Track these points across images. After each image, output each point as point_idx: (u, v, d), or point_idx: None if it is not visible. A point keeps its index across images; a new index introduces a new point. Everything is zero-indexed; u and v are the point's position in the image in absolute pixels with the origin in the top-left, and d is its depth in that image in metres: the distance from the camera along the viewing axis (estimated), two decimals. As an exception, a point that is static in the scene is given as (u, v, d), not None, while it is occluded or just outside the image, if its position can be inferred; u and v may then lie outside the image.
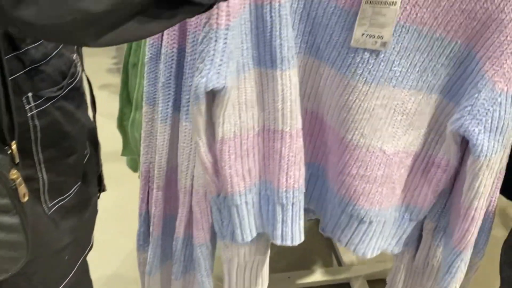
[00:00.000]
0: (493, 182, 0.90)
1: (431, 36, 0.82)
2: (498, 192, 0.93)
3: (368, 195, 0.93)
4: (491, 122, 0.82)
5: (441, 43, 0.83)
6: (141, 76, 1.05)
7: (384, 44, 0.80)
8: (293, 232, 0.90)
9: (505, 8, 0.79)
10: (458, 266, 0.92)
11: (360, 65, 0.82)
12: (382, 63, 0.82)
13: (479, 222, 0.90)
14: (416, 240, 1.05)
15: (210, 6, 0.59)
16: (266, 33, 0.76)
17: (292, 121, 0.83)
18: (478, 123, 0.82)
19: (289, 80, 0.80)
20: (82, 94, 0.87)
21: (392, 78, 0.84)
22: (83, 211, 0.90)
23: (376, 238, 0.99)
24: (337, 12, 0.78)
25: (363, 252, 0.99)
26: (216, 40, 0.72)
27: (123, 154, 1.42)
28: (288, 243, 0.91)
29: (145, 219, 1.06)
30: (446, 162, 0.92)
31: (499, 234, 1.12)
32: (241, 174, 0.86)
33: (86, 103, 0.89)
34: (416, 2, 0.79)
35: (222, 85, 0.74)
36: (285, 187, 0.87)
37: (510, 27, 0.79)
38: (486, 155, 0.83)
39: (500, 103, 0.82)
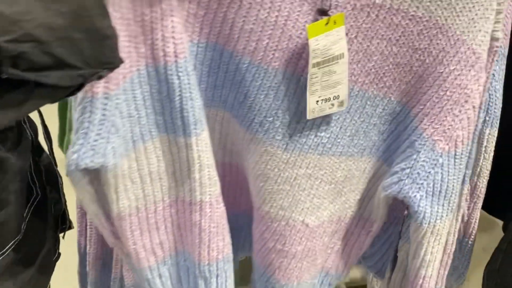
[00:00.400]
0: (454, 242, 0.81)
1: (363, 95, 0.73)
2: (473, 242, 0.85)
3: (286, 271, 0.83)
4: (433, 186, 0.73)
5: (373, 102, 0.74)
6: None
7: (342, 104, 0.71)
8: None
9: (444, 60, 0.70)
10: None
11: (280, 130, 0.72)
12: (305, 129, 0.73)
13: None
14: (391, 261, 0.96)
15: (78, 87, 0.49)
16: (175, 97, 0.66)
17: (211, 188, 0.73)
18: (419, 188, 0.73)
19: (204, 144, 0.70)
20: (21, 133, 0.74)
21: (318, 145, 0.74)
22: (28, 267, 0.78)
23: None
24: (251, 70, 0.69)
25: None
26: (91, 111, 0.60)
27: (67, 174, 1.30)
28: None
29: (85, 255, 0.95)
30: (370, 224, 0.83)
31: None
32: (150, 248, 0.76)
33: (28, 140, 0.75)
34: None
35: (99, 164, 0.63)
36: (207, 261, 0.76)
37: (449, 81, 0.71)
38: (429, 221, 0.74)
39: (442, 164, 0.73)
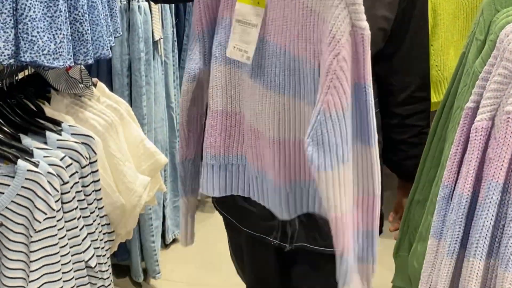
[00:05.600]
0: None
1: (288, 56, 1.01)
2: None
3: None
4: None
5: (299, 63, 1.00)
6: (428, 212, 1.14)
7: (248, 58, 1.05)
8: None
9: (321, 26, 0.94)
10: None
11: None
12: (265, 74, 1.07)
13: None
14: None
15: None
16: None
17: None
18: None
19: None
20: None
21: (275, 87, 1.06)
22: None
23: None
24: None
25: None
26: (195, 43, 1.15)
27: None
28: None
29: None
30: None
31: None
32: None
33: None
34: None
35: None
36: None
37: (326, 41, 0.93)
38: None
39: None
